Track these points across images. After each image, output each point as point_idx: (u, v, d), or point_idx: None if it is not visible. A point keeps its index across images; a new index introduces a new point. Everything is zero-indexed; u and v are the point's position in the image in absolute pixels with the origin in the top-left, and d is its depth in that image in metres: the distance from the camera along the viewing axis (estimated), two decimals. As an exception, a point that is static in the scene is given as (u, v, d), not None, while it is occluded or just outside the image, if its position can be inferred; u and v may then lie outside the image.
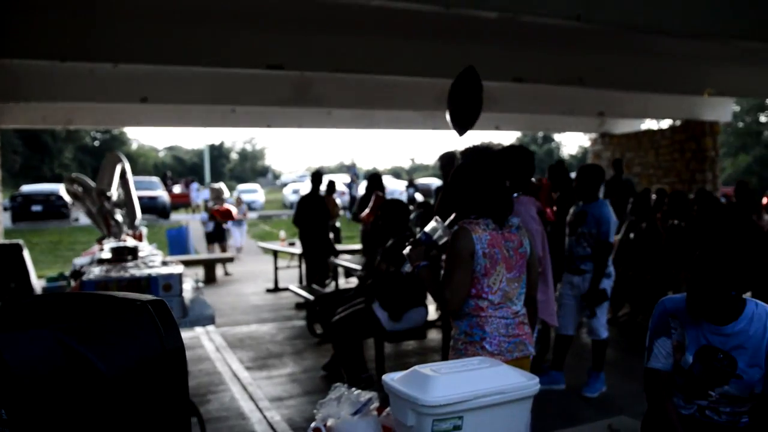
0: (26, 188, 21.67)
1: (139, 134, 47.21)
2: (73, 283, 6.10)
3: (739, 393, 2.20)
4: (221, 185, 14.40)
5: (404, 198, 17.30)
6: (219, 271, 11.22)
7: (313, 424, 1.87)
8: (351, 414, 1.84)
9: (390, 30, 6.88)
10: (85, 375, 1.19)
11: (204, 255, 12.69)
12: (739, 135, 33.07)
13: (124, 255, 4.87)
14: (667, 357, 2.30)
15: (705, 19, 5.88)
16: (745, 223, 6.72)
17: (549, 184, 6.08)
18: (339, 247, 9.04)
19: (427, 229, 2.60)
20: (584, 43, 7.49)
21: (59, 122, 11.64)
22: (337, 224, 10.48)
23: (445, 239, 2.55)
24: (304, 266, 8.49)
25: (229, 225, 13.04)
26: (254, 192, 28.98)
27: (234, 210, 12.91)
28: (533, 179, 4.27)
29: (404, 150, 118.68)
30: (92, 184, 6.91)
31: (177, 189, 27.30)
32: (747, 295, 2.21)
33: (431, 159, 53.12)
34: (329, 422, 1.84)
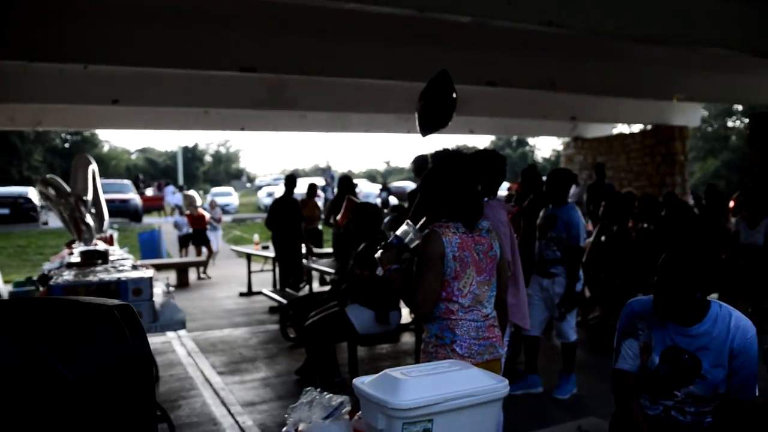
0: (-7, 191, 21.26)
1: (110, 136, 46.39)
2: (41, 288, 5.98)
3: (703, 393, 2.25)
4: (193, 193, 14.31)
5: (378, 201, 17.32)
6: (192, 275, 11.11)
7: (284, 429, 1.86)
8: (322, 418, 1.83)
9: (364, 33, 6.89)
10: (48, 381, 1.17)
11: (176, 258, 12.56)
12: (707, 139, 33.75)
13: (94, 259, 4.80)
14: (634, 358, 2.34)
15: (672, 26, 6.01)
16: (713, 226, 6.86)
17: (520, 187, 6.13)
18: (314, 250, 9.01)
19: (399, 232, 2.61)
20: (556, 48, 7.59)
21: (28, 124, 11.41)
22: (319, 227, 10.43)
23: (416, 242, 2.56)
24: (278, 270, 8.45)
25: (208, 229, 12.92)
26: (228, 195, 28.80)
27: (207, 215, 12.79)
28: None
29: (380, 153, 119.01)
30: (67, 187, 6.80)
31: (149, 192, 27.01)
32: (714, 297, 2.26)
33: (406, 162, 53.25)
34: (301, 427, 1.84)
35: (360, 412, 1.85)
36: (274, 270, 9.00)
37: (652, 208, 6.56)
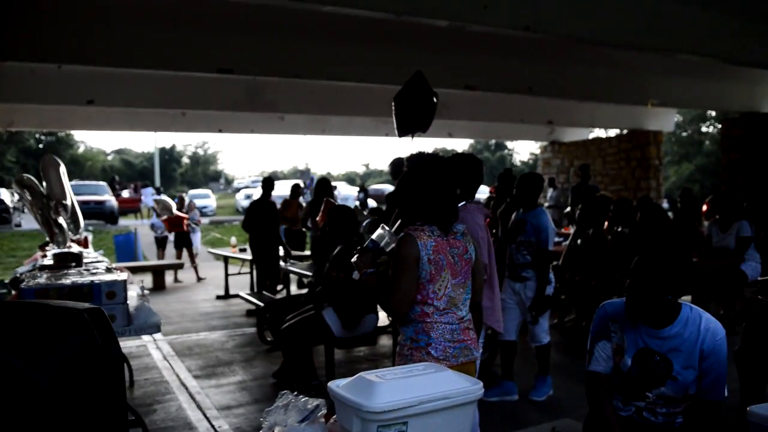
0: (-36, 192, 20.89)
1: (86, 137, 45.83)
2: (13, 291, 5.88)
3: (674, 394, 2.28)
4: (166, 197, 14.16)
5: (357, 203, 17.29)
6: (169, 277, 10.99)
7: (259, 432, 1.85)
8: (298, 421, 1.83)
9: (342, 36, 6.90)
10: (15, 386, 1.16)
11: (153, 261, 12.42)
12: (682, 144, 34.32)
13: (67, 262, 4.73)
14: (607, 360, 2.37)
15: (647, 33, 6.11)
16: (685, 230, 6.96)
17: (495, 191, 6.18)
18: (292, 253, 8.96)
19: (375, 236, 2.62)
20: (533, 53, 7.67)
21: (-1, 124, 11.24)
22: (303, 228, 10.36)
23: (392, 246, 2.57)
24: (255, 272, 8.40)
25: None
26: (206, 197, 28.59)
27: (186, 216, 12.63)
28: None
29: (359, 156, 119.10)
30: (43, 190, 6.68)
31: (126, 194, 26.70)
32: (687, 300, 2.30)
33: (385, 165, 53.32)
34: (276, 430, 1.83)
35: (336, 416, 1.85)
36: (251, 273, 8.94)
37: (626, 212, 6.64)
